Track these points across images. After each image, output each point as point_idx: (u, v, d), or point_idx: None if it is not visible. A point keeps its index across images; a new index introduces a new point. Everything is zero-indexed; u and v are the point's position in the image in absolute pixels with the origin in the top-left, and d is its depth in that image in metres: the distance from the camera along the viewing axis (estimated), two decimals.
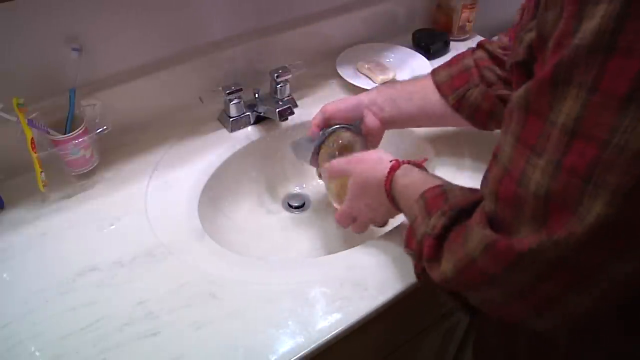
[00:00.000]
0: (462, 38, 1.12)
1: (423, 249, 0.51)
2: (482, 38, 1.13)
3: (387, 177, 0.61)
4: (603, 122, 0.34)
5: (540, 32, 0.39)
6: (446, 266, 0.47)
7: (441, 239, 0.49)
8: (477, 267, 0.43)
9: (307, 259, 0.80)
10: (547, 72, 0.37)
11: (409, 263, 0.65)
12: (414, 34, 1.07)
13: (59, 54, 0.73)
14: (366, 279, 0.63)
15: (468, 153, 0.82)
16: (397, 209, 0.62)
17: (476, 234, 0.43)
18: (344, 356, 0.64)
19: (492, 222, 0.43)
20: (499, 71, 0.71)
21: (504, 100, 0.69)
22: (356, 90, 0.94)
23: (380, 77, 0.95)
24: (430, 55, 1.03)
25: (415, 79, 0.79)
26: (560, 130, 0.36)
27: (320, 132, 0.76)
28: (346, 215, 0.69)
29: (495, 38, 0.76)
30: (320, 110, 0.77)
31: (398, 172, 0.61)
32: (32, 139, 0.68)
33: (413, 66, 1.00)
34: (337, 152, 0.75)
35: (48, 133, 0.72)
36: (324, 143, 0.76)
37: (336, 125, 0.76)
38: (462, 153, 0.82)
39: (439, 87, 0.74)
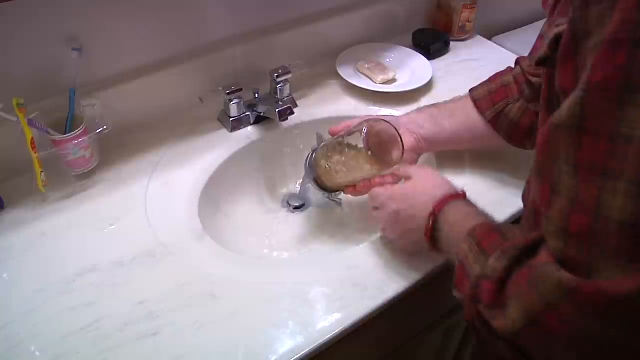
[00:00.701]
0: (462, 38, 1.12)
1: (481, 294, 0.45)
2: (481, 38, 1.14)
3: (427, 228, 0.57)
4: None
5: (576, 30, 0.35)
6: (515, 315, 0.40)
7: (503, 282, 0.43)
8: (556, 316, 0.37)
9: (307, 259, 0.80)
10: (610, 77, 0.32)
11: (408, 263, 0.65)
12: (414, 34, 1.07)
13: (59, 54, 0.73)
14: (366, 279, 0.63)
15: (468, 158, 0.81)
16: (438, 250, 0.58)
17: (550, 276, 0.37)
18: (344, 356, 0.64)
19: (562, 264, 0.38)
20: (533, 89, 0.68)
21: None
22: (356, 90, 0.94)
23: (380, 77, 0.95)
24: (430, 55, 1.03)
25: (455, 98, 0.76)
26: (632, 140, 0.31)
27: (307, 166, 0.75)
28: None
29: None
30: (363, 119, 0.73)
31: (439, 216, 0.56)
32: (32, 139, 0.68)
33: (413, 66, 1.00)
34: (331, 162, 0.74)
35: (48, 133, 0.72)
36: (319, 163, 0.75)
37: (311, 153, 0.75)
38: (462, 157, 0.82)
39: (476, 102, 0.72)
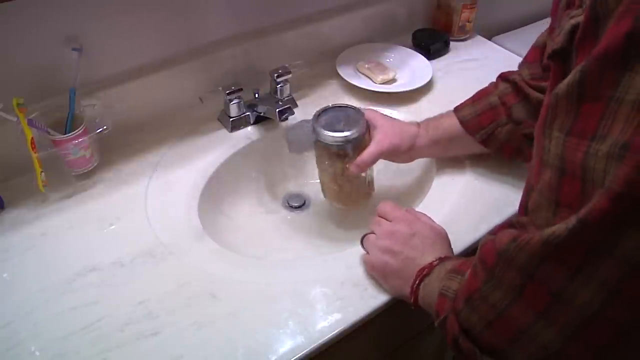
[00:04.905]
0: (462, 38, 1.12)
1: (462, 289, 0.47)
2: (481, 38, 1.14)
3: (413, 282, 0.57)
4: None
5: (596, 12, 0.34)
6: (498, 295, 0.42)
7: (475, 266, 0.46)
8: (537, 285, 0.38)
9: (307, 259, 0.80)
10: (612, 45, 0.32)
11: None
12: (414, 34, 1.07)
13: (59, 54, 0.73)
14: (366, 279, 0.63)
15: (468, 157, 0.81)
16: (420, 307, 0.58)
17: (516, 247, 0.39)
18: (344, 356, 0.64)
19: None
20: (528, 106, 0.68)
21: (532, 139, 0.63)
22: (356, 90, 0.94)
23: (380, 77, 0.95)
24: (430, 55, 1.03)
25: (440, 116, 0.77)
26: (630, 108, 0.31)
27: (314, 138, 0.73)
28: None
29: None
30: (375, 149, 0.71)
31: (427, 277, 0.57)
32: (32, 139, 0.68)
33: (413, 66, 1.00)
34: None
35: (48, 133, 0.72)
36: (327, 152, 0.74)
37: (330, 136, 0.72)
38: (462, 157, 0.81)
39: (464, 125, 0.72)
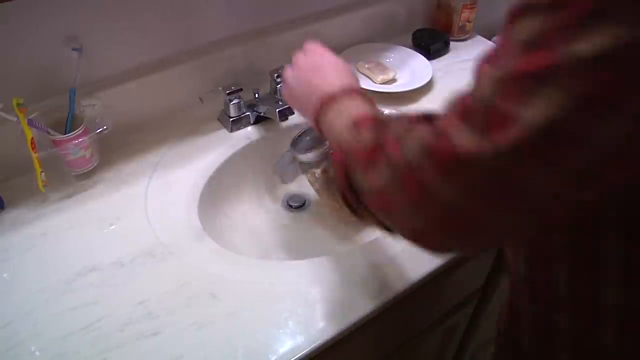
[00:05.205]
0: (462, 38, 1.12)
1: (357, 155, 0.48)
2: (482, 38, 1.14)
3: (316, 110, 0.58)
4: (562, 36, 0.34)
5: None
6: (386, 173, 0.44)
7: (374, 146, 0.46)
8: (415, 176, 0.41)
9: (308, 259, 0.80)
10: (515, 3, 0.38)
11: (409, 263, 0.65)
12: (414, 34, 1.07)
13: (59, 54, 0.73)
14: (366, 279, 0.63)
15: None
16: (321, 133, 0.60)
17: (415, 135, 0.41)
18: (344, 356, 0.64)
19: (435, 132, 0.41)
20: None
21: None
22: None
23: (380, 77, 0.95)
24: (430, 55, 1.03)
25: None
26: (519, 43, 0.36)
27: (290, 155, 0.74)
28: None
29: None
30: None
31: (330, 109, 0.57)
32: (32, 139, 0.68)
33: (413, 66, 1.00)
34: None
35: (48, 133, 0.72)
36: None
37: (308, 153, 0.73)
38: None
39: None
